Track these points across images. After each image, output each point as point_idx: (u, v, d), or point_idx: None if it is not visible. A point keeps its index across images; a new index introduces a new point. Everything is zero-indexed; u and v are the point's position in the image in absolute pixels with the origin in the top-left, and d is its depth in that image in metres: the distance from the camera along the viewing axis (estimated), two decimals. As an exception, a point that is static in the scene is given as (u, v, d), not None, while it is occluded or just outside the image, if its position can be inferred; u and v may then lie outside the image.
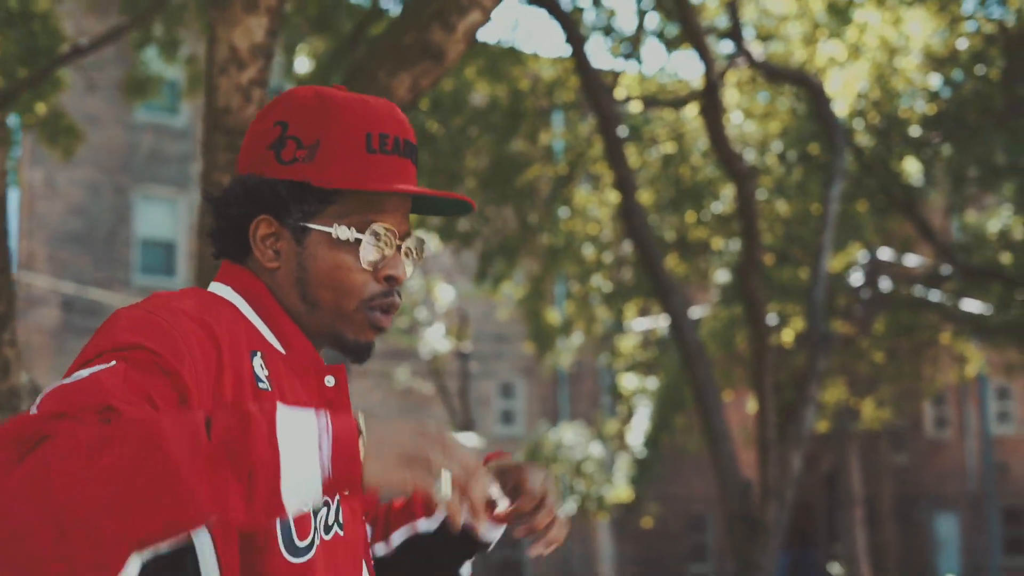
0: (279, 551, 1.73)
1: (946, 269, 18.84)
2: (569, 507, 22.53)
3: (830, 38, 14.50)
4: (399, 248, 1.93)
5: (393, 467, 1.53)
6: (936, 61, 15.39)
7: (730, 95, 16.13)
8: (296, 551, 1.75)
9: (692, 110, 15.35)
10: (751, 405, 21.50)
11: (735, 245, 18.34)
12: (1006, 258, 19.48)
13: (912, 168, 17.79)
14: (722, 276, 18.66)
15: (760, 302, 11.77)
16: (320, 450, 1.51)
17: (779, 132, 16.42)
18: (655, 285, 12.20)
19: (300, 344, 1.90)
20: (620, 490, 23.29)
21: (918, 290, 18.99)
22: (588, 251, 16.48)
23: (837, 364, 20.28)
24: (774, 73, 13.45)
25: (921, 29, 14.88)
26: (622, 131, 13.16)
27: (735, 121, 16.55)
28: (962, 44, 15.00)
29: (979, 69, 15.66)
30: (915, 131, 15.78)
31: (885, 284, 19.06)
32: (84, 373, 1.56)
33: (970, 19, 14.96)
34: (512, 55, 14.62)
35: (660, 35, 13.79)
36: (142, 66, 14.39)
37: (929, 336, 19.36)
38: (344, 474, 1.52)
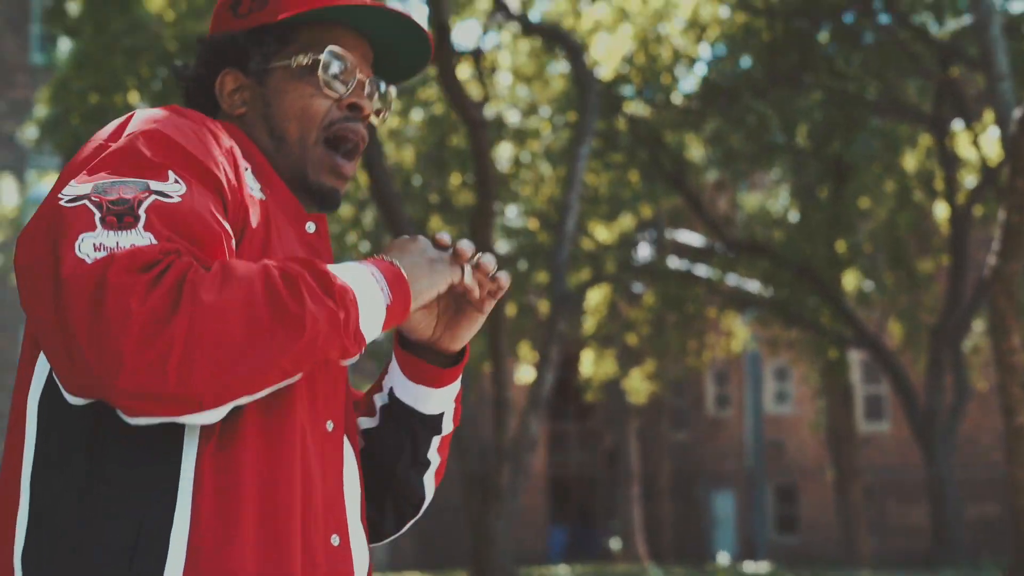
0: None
1: (719, 247, 18.98)
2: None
3: (595, 1, 14.37)
4: (362, 84, 1.98)
5: (428, 274, 1.80)
6: (702, 30, 15.39)
7: (501, 57, 15.91)
8: None
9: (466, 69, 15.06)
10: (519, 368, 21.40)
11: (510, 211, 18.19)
12: (776, 236, 19.72)
13: (683, 140, 17.86)
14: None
15: (490, 251, 11.50)
16: (375, 278, 1.73)
17: (548, 97, 16.27)
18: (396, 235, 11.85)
19: (279, 187, 1.92)
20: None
21: (686, 264, 19.08)
22: (344, 209, 16.09)
23: (604, 334, 20.29)
24: (530, 28, 13.23)
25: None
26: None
27: (504, 83, 16.34)
28: (725, 12, 15.03)
29: (744, 42, 15.74)
30: (677, 98, 15.77)
31: (645, 254, 19.12)
32: (154, 188, 1.65)
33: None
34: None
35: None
36: None
37: (695, 309, 19.48)
38: (400, 295, 1.75)
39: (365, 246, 16.28)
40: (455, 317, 1.98)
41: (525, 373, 20.84)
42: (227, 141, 1.82)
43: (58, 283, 1.55)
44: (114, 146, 1.70)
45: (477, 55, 14.23)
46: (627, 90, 16.35)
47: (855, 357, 27.55)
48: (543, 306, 18.72)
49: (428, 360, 2.02)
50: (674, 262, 19.30)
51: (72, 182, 1.65)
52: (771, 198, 21.80)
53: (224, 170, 1.75)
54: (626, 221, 19.07)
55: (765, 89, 16.22)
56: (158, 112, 1.78)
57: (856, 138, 17.37)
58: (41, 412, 1.70)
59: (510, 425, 12.09)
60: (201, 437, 1.67)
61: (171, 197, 1.65)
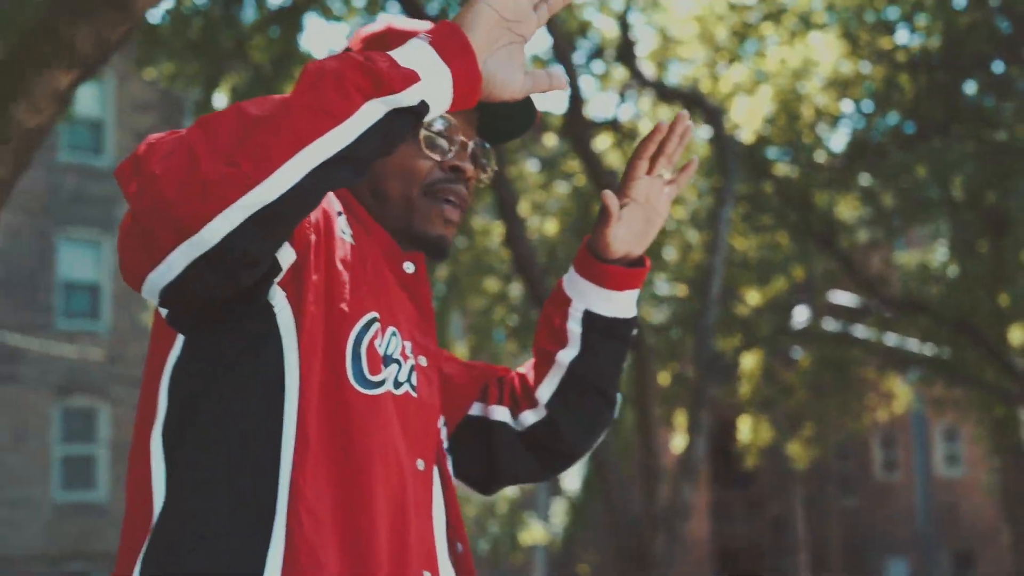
0: (348, 380, 1.81)
1: (875, 306, 18.56)
2: (481, 548, 22.02)
3: (731, 62, 14.24)
4: (464, 146, 2.00)
5: (492, 27, 1.74)
6: (843, 86, 15.15)
7: (640, 125, 15.86)
8: (366, 383, 1.83)
9: (606, 139, 15.04)
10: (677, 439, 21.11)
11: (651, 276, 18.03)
12: (934, 292, 19.20)
13: (831, 200, 17.56)
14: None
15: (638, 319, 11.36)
16: (426, 34, 1.73)
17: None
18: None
19: (377, 231, 1.96)
20: (534, 531, 22.80)
21: (842, 325, 18.69)
22: (490, 283, 16.11)
23: (761, 399, 19.93)
24: (667, 94, 13.16)
25: (827, 53, 14.64)
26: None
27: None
28: (866, 68, 14.76)
29: (888, 96, 15.45)
30: (821, 156, 15.51)
31: (800, 317, 18.76)
32: None
33: (872, 44, 14.72)
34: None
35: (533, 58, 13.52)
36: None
37: (854, 371, 19.04)
38: (456, 46, 1.70)
39: (513, 320, 16.29)
40: (643, 227, 2.15)
41: (680, 442, 20.56)
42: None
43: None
44: None
45: (615, 125, 14.16)
46: (771, 152, 16.14)
47: (1027, 414, 26.61)
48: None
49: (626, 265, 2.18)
50: (830, 324, 18.91)
51: None
52: (928, 253, 21.28)
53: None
54: (778, 284, 18.77)
55: (914, 143, 15.87)
56: None
57: (1013, 188, 16.87)
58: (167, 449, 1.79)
59: (662, 494, 11.89)
60: (295, 469, 1.72)
61: None
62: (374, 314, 1.87)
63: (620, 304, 2.19)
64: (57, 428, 22.51)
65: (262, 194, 1.59)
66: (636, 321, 2.24)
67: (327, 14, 13.24)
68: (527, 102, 2.03)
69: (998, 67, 16.18)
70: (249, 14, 13.07)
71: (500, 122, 2.07)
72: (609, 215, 2.13)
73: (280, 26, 12.92)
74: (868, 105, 16.04)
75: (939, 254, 20.84)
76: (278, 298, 1.78)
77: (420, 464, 1.89)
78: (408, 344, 1.93)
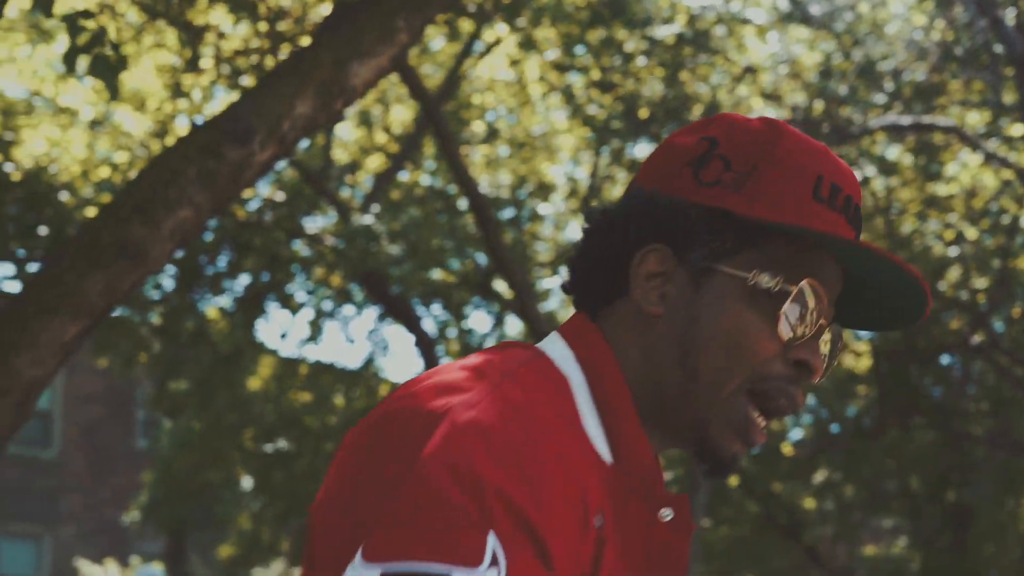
0: None
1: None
2: None
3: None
4: (820, 332, 1.43)
5: None
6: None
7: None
8: None
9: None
10: None
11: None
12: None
13: (792, 492, 17.45)
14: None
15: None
16: None
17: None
18: None
19: (638, 453, 1.38)
20: None
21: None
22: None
23: None
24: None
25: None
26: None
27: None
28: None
29: (848, 388, 15.55)
30: (785, 447, 15.48)
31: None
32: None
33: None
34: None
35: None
36: None
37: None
38: None
39: None
40: None
41: None
42: (582, 457, 1.31)
43: None
44: (412, 487, 1.23)
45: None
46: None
47: None
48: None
49: None
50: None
51: (357, 556, 1.22)
52: (892, 547, 21.05)
53: (566, 538, 1.26)
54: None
55: (875, 434, 15.88)
56: (492, 405, 1.27)
57: (972, 480, 16.85)
58: None
59: None
60: None
61: None
62: None
63: None
64: None
65: None
66: None
67: (288, 304, 13.25)
68: (919, 294, 1.45)
69: (947, 360, 16.36)
70: (209, 302, 13.07)
71: (865, 304, 1.52)
72: None
73: (243, 315, 12.89)
74: (828, 395, 16.11)
75: (901, 547, 20.64)
76: None
77: None
78: None
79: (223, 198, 4.15)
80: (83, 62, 3.87)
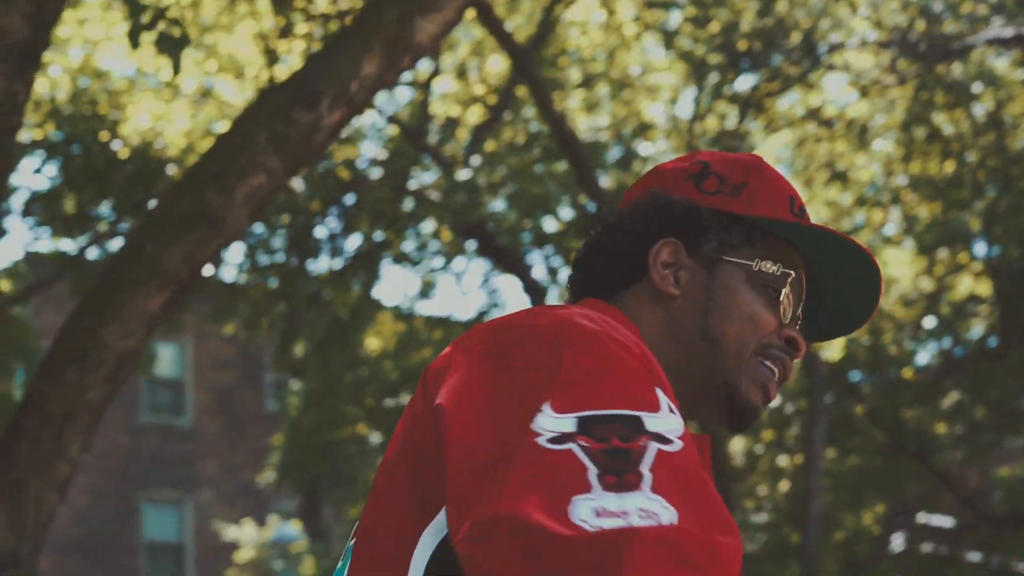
0: None
1: (975, 525, 17.96)
2: None
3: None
4: (798, 320, 1.75)
5: None
6: (928, 299, 14.99)
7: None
8: None
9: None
10: None
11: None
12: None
13: (920, 418, 17.21)
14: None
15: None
16: None
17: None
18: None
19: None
20: None
21: (943, 548, 18.06)
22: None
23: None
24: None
25: (904, 270, 14.55)
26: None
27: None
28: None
29: (971, 309, 15.26)
30: (908, 372, 15.25)
31: (898, 542, 18.17)
32: (651, 429, 1.34)
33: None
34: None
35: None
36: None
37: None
38: None
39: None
40: None
41: None
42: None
43: (542, 550, 1.24)
44: (582, 355, 1.39)
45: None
46: (854, 374, 15.91)
47: None
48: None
49: None
50: (929, 546, 18.28)
51: (545, 407, 1.34)
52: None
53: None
54: (875, 508, 18.28)
55: (1000, 355, 15.58)
56: (585, 314, 1.46)
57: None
58: None
59: None
60: None
61: (670, 442, 1.33)
62: None
63: None
64: None
65: None
66: None
67: (403, 260, 13.34)
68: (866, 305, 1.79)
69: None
70: (323, 264, 13.20)
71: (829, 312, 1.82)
72: None
73: (357, 276, 13.01)
74: (951, 320, 15.83)
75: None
76: None
77: None
78: None
79: (295, 162, 4.24)
80: (147, 38, 3.97)
